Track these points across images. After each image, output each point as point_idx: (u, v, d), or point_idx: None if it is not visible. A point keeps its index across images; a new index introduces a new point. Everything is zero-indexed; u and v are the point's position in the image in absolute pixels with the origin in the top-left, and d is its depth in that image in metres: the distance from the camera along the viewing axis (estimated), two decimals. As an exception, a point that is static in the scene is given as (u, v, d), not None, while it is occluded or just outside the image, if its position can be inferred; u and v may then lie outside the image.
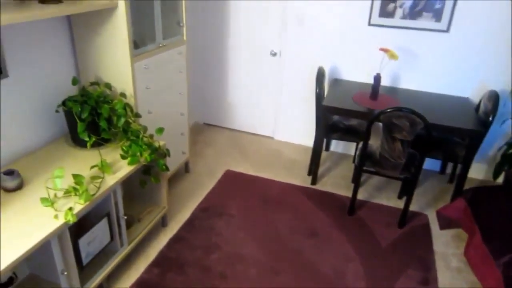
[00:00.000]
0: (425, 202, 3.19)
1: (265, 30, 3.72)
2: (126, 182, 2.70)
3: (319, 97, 3.14)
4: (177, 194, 3.14)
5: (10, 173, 1.86)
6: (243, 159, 3.73)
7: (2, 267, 1.45)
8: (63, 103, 2.26)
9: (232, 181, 3.36)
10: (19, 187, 1.89)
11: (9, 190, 1.86)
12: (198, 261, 2.47)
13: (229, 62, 4.01)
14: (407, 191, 2.85)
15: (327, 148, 3.99)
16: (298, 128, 4.03)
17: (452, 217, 2.70)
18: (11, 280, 1.81)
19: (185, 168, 3.45)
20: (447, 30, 3.14)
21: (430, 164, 3.65)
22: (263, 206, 3.04)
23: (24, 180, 1.97)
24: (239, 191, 3.21)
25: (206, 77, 4.19)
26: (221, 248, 2.59)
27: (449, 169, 3.62)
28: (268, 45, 3.78)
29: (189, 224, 2.80)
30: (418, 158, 2.72)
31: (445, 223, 2.77)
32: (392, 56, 2.98)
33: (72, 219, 1.72)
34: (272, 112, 4.08)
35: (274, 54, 3.80)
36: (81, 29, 2.37)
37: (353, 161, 3.77)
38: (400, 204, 3.15)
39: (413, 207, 3.10)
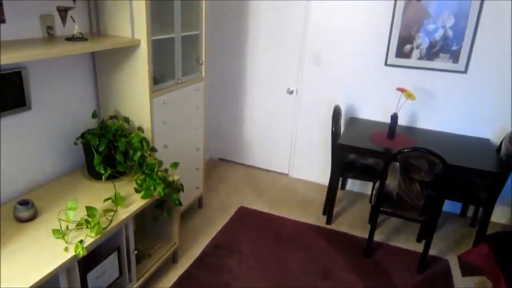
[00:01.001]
0: (446, 246, 3.06)
1: (282, 68, 3.79)
2: (138, 216, 2.69)
3: (335, 135, 3.13)
4: (189, 230, 3.10)
5: (24, 203, 1.87)
6: (257, 196, 3.69)
7: (9, 299, 1.43)
8: (82, 136, 2.30)
9: (245, 218, 3.30)
10: (32, 217, 1.90)
11: (22, 220, 1.87)
12: (207, 300, 2.39)
13: (246, 98, 4.06)
14: (426, 234, 2.74)
15: (343, 187, 3.92)
16: (313, 166, 4.00)
17: (475, 264, 2.57)
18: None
19: (199, 203, 3.43)
20: (465, 71, 3.13)
21: (450, 206, 3.54)
22: (276, 245, 2.96)
23: (38, 210, 1.98)
24: (252, 229, 3.15)
25: (223, 113, 4.24)
26: (232, 287, 2.51)
27: (470, 212, 3.49)
28: (285, 83, 3.83)
29: (200, 261, 2.74)
30: (437, 200, 2.64)
31: (468, 269, 2.63)
32: (409, 96, 2.97)
33: (82, 252, 1.70)
34: (288, 149, 4.07)
35: (291, 92, 3.84)
36: (104, 64, 2.46)
37: (370, 201, 3.69)
38: (419, 247, 3.03)
39: (433, 251, 2.98)
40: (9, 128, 2.00)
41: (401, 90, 3.02)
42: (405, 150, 2.47)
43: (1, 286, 1.49)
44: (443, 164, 2.41)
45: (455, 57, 3.11)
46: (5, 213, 1.95)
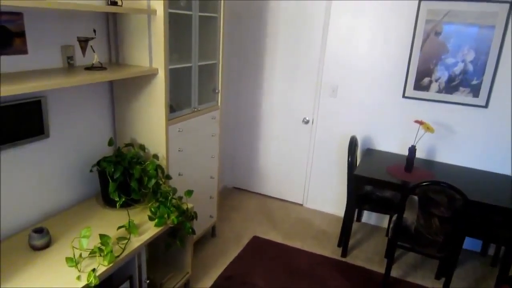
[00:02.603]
0: (466, 286, 2.93)
1: (298, 97, 3.80)
2: (151, 244, 2.67)
3: (351, 166, 3.09)
4: (202, 259, 3.05)
5: (39, 231, 1.88)
6: (271, 226, 3.64)
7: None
8: (98, 163, 2.32)
9: (259, 248, 3.25)
10: (47, 245, 1.89)
11: (37, 248, 1.87)
12: (218, 335, 2.32)
13: (261, 127, 4.07)
14: (445, 272, 2.64)
15: (359, 219, 3.84)
16: (328, 197, 3.94)
17: (498, 305, 2.45)
18: None
19: (212, 232, 3.39)
20: (486, 106, 3.09)
21: (471, 243, 3.42)
22: (290, 278, 2.89)
23: (53, 238, 1.98)
24: (265, 260, 3.08)
25: (237, 141, 4.25)
26: (243, 322, 2.44)
27: (491, 250, 3.36)
28: (301, 113, 3.84)
29: (212, 292, 2.68)
30: (457, 237, 2.55)
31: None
32: (428, 128, 2.93)
33: (94, 282, 1.68)
34: (303, 179, 4.03)
35: (307, 122, 3.83)
36: (121, 93, 2.51)
37: (386, 234, 3.59)
38: (438, 285, 2.91)
39: (453, 290, 2.86)
40: (27, 155, 2.03)
41: (420, 122, 2.98)
42: (424, 184, 2.41)
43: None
44: (463, 199, 2.35)
45: (475, 91, 3.08)
46: (20, 241, 1.95)
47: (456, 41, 3.04)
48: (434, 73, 3.17)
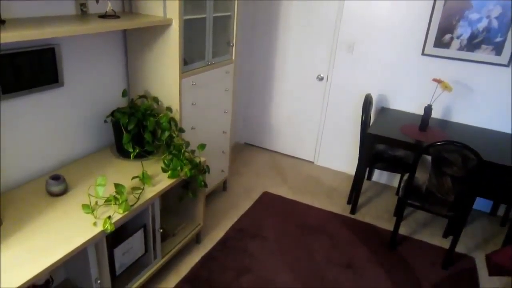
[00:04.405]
0: (473, 244, 2.97)
1: (313, 54, 3.71)
2: (164, 196, 2.73)
3: (364, 124, 3.05)
4: (213, 212, 3.13)
5: (56, 178, 1.92)
6: (281, 182, 3.67)
7: (41, 269, 1.47)
8: (112, 114, 2.33)
9: (269, 203, 3.30)
10: (63, 192, 1.94)
11: (54, 195, 1.92)
12: (228, 283, 2.42)
13: (274, 83, 4.02)
14: (454, 230, 2.67)
15: (369, 178, 3.86)
16: (340, 155, 3.94)
17: (504, 265, 2.49)
18: (47, 282, 1.84)
19: (223, 186, 3.44)
20: (508, 65, 2.97)
21: (480, 204, 3.42)
22: (299, 232, 2.95)
23: (69, 185, 2.03)
24: (275, 214, 3.14)
25: (250, 97, 4.22)
26: (253, 271, 2.52)
27: (501, 211, 3.37)
28: (316, 69, 3.76)
29: (223, 243, 2.76)
30: (468, 197, 2.55)
31: (495, 269, 2.54)
32: (446, 87, 2.86)
33: (110, 228, 1.73)
34: (314, 136, 4.01)
35: (321, 79, 3.76)
36: (134, 43, 2.46)
37: (396, 193, 3.61)
38: (445, 243, 2.96)
39: (459, 248, 2.90)
40: (42, 103, 2.04)
41: (438, 81, 2.90)
42: (439, 143, 2.38)
43: (33, 254, 1.53)
44: (478, 159, 2.32)
45: (498, 49, 2.95)
46: (37, 187, 2.00)
47: (483, -5, 2.88)
48: (456, 30, 3.04)
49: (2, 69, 1.77)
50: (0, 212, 1.70)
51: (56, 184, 1.90)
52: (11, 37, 1.46)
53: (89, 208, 1.82)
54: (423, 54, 3.22)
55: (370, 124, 3.15)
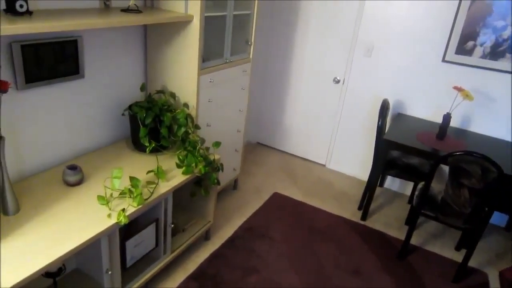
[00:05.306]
0: (486, 259, 2.92)
1: (331, 56, 3.68)
2: (176, 191, 2.73)
3: (380, 130, 3.02)
4: (223, 210, 3.12)
5: (73, 168, 1.93)
6: (292, 183, 3.66)
7: (55, 257, 1.48)
8: (129, 107, 2.33)
9: (279, 204, 3.29)
10: (79, 182, 1.95)
11: (70, 184, 1.93)
12: (235, 282, 2.41)
13: (290, 84, 4.00)
14: (467, 244, 2.62)
15: (381, 184, 3.81)
16: (352, 159, 3.90)
17: (517, 280, 2.44)
18: (59, 270, 1.85)
19: (234, 185, 3.44)
20: (531, 76, 2.92)
21: (496, 218, 3.36)
22: (308, 235, 2.93)
23: (85, 176, 2.04)
24: (285, 216, 3.13)
25: (265, 96, 4.20)
26: (260, 272, 2.51)
27: (515, 225, 3.31)
28: (332, 72, 3.73)
29: (231, 242, 2.75)
30: (485, 210, 2.50)
31: (509, 286, 2.50)
32: (467, 96, 2.81)
33: (124, 221, 1.74)
34: (328, 139, 3.99)
35: (337, 82, 3.73)
36: (155, 38, 2.47)
37: (408, 202, 3.57)
38: (457, 256, 2.91)
39: (471, 263, 2.85)
40: (62, 94, 2.05)
41: (458, 89, 2.86)
42: (458, 153, 2.34)
43: (48, 242, 1.54)
44: (498, 172, 2.27)
45: (522, 59, 2.90)
46: (55, 176, 2.02)
47: (507, 2, 2.82)
48: (479, 37, 2.98)
49: (26, 59, 1.78)
50: (17, 199, 1.72)
51: (73, 174, 1.91)
52: (40, 28, 1.48)
53: (104, 200, 1.83)
54: (443, 60, 3.17)
55: (386, 130, 3.11)
